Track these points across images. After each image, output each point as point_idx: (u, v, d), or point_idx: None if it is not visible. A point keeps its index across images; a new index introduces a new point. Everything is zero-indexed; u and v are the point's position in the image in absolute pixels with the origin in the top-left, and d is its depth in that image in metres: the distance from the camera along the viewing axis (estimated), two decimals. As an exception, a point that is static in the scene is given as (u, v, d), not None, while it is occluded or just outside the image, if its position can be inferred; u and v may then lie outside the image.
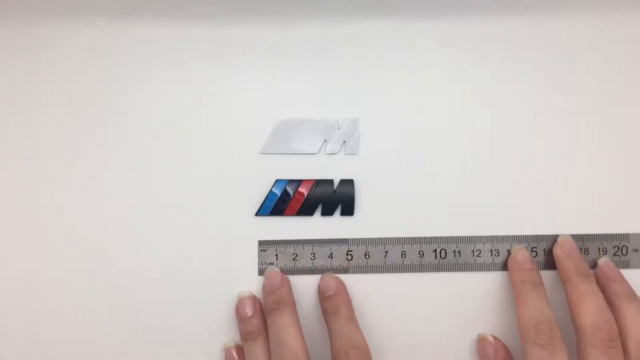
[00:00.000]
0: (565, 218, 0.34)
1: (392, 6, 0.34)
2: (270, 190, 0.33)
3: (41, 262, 0.33)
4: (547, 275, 0.33)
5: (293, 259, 0.33)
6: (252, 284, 0.34)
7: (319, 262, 0.33)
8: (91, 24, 0.34)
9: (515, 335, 0.33)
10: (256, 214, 0.34)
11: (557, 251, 0.33)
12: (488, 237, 0.34)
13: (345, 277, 0.33)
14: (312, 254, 0.33)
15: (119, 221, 0.33)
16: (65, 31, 0.34)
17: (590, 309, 0.30)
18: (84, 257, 0.33)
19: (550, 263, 0.34)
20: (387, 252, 0.34)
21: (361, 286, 0.33)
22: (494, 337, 0.33)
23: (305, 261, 0.33)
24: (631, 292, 0.32)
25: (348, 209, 0.33)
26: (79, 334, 0.33)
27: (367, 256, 0.34)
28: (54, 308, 0.33)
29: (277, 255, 0.33)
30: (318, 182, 0.34)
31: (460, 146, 0.34)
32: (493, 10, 0.34)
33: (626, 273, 0.33)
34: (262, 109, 0.34)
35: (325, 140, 0.34)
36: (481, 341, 0.33)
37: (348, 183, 0.34)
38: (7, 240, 0.33)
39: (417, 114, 0.34)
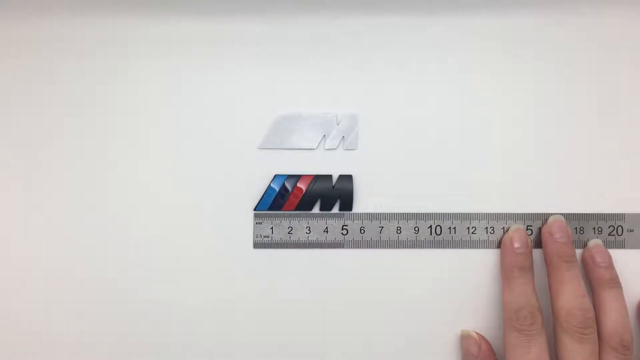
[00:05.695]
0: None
1: (392, 2, 0.34)
2: (269, 186, 0.33)
3: (40, 258, 0.33)
4: (541, 253, 0.33)
5: (288, 233, 0.33)
6: (251, 281, 0.33)
7: (314, 236, 0.33)
8: (89, 21, 0.34)
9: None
10: (255, 209, 0.34)
11: (544, 232, 0.33)
12: (484, 214, 0.34)
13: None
14: (308, 228, 0.33)
15: (117, 216, 0.33)
16: (64, 28, 0.34)
17: (568, 294, 0.31)
18: (83, 251, 0.33)
19: (545, 242, 0.34)
20: (382, 227, 0.34)
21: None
22: (478, 334, 0.33)
23: (300, 235, 0.33)
24: (614, 279, 0.32)
25: (347, 205, 0.33)
26: (78, 329, 0.33)
27: (362, 231, 0.34)
28: (52, 305, 0.33)
29: (272, 228, 0.33)
30: (317, 178, 0.34)
31: (460, 136, 0.34)
32: (493, 5, 0.34)
33: (621, 253, 0.33)
34: (261, 104, 0.34)
35: (324, 135, 0.34)
36: (465, 338, 0.33)
37: (347, 178, 0.34)
38: (6, 237, 0.33)
39: (417, 109, 0.34)
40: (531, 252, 0.33)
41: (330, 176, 0.34)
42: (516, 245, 0.32)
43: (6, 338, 0.33)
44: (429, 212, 0.34)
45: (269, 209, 0.33)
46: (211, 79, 0.34)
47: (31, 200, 0.33)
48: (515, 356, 0.30)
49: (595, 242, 0.33)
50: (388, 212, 0.34)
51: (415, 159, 0.34)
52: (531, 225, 0.34)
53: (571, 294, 0.31)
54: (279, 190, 0.33)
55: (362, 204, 0.34)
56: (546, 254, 0.32)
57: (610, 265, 0.32)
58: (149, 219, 0.33)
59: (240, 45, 0.34)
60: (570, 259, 0.32)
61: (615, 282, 0.32)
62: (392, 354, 0.33)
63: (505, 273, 0.32)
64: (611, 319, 0.31)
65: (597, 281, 0.32)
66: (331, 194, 0.33)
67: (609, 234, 0.34)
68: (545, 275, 0.32)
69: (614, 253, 0.33)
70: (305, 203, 0.33)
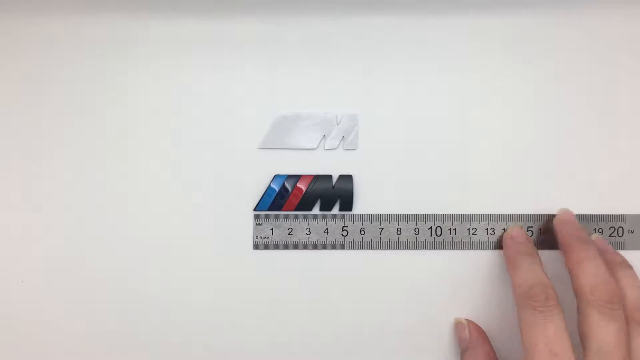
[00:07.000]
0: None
1: (392, 2, 0.34)
2: (269, 186, 0.33)
3: (40, 258, 0.33)
4: (542, 254, 0.33)
5: (288, 234, 0.33)
6: (251, 283, 0.33)
7: (314, 237, 0.33)
8: (89, 21, 0.34)
9: (506, 314, 0.33)
10: (254, 209, 0.33)
11: (556, 223, 0.33)
12: (484, 215, 0.34)
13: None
14: (308, 229, 0.33)
15: (117, 216, 0.33)
16: (64, 28, 0.34)
17: (590, 271, 0.29)
18: (83, 250, 0.33)
19: (545, 242, 0.34)
20: (382, 228, 0.34)
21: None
22: (467, 320, 0.33)
23: (300, 236, 0.33)
24: (625, 261, 0.32)
25: (347, 205, 0.33)
26: (78, 329, 0.33)
27: (362, 232, 0.34)
28: (52, 304, 0.33)
29: (272, 229, 0.33)
30: (317, 178, 0.34)
31: (460, 136, 0.34)
32: (493, 6, 0.34)
33: (621, 254, 0.33)
34: (261, 104, 0.34)
35: (324, 135, 0.34)
36: (457, 325, 0.33)
37: (347, 178, 0.34)
38: (6, 237, 0.33)
39: (417, 109, 0.34)
40: (532, 242, 0.32)
41: (330, 176, 0.34)
42: (515, 236, 0.32)
43: (6, 338, 0.33)
44: (429, 213, 0.34)
45: (268, 209, 0.33)
46: (211, 79, 0.34)
47: (31, 200, 0.33)
48: (532, 334, 0.28)
49: (597, 236, 0.33)
50: (388, 213, 0.34)
51: (415, 159, 0.34)
52: (532, 227, 0.34)
53: (594, 270, 0.29)
54: (279, 191, 0.33)
55: (362, 204, 0.34)
56: (562, 239, 0.32)
57: (617, 252, 0.32)
58: (148, 219, 0.33)
59: (240, 45, 0.34)
60: (587, 240, 0.31)
61: (626, 264, 0.31)
62: (392, 355, 0.33)
63: (511, 262, 0.32)
64: (633, 295, 0.29)
65: (609, 264, 0.31)
66: (331, 194, 0.33)
67: (610, 235, 0.34)
68: (551, 274, 0.31)
69: (614, 254, 0.33)
70: (305, 203, 0.33)
